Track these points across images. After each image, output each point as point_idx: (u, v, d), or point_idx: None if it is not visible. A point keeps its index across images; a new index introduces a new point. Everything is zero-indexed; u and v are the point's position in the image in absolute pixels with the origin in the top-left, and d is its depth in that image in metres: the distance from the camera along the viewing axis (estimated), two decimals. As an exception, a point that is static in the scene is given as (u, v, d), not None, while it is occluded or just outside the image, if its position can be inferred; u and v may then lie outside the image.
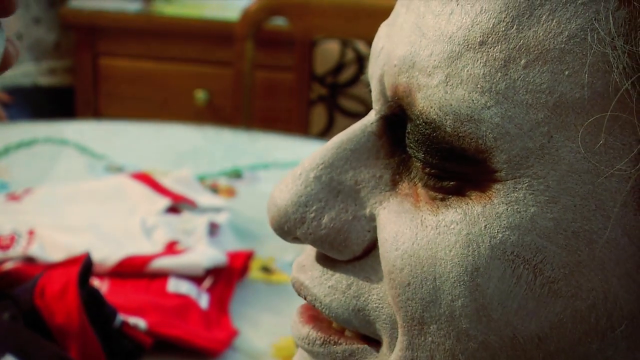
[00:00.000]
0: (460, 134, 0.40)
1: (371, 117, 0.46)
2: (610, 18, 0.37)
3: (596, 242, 0.38)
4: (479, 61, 0.39)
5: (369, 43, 0.46)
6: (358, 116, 0.49)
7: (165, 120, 2.02)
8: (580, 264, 0.39)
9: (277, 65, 2.45)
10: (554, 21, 0.38)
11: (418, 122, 0.42)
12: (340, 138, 0.46)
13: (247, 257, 1.22)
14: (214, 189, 1.47)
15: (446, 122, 0.40)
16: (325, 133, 2.12)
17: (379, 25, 0.47)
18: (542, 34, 0.38)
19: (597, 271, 0.39)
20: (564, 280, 0.39)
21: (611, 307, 0.39)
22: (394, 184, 0.45)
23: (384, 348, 0.44)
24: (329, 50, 2.11)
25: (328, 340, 0.46)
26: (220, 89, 2.54)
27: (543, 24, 0.39)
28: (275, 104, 2.50)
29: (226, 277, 1.18)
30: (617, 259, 0.39)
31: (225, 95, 2.44)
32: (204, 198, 1.38)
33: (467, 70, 0.40)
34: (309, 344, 0.47)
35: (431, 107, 0.41)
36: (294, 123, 2.07)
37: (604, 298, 0.39)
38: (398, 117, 0.44)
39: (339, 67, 2.12)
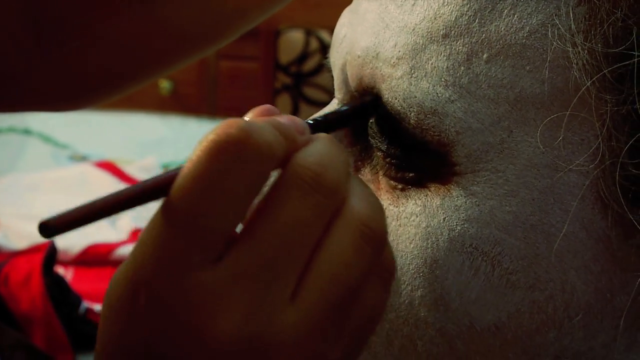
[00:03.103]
0: (423, 127, 0.40)
1: (333, 105, 0.46)
2: (571, 14, 0.38)
3: (554, 235, 0.39)
4: (442, 54, 0.40)
5: (333, 32, 0.47)
6: (322, 105, 0.49)
7: (129, 109, 2.01)
8: (539, 256, 0.39)
9: (241, 55, 2.44)
10: (515, 16, 0.39)
11: (382, 112, 0.42)
12: None
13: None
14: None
15: (410, 114, 0.40)
16: (290, 122, 2.12)
17: (343, 15, 0.47)
18: (504, 29, 0.39)
19: (555, 263, 0.39)
20: (522, 272, 0.40)
21: (568, 297, 0.40)
22: (356, 170, 0.45)
23: None
24: (293, 40, 2.11)
25: None
26: (185, 78, 2.52)
27: (504, 19, 0.39)
28: (240, 93, 2.49)
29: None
30: (575, 251, 0.39)
31: (189, 84, 2.43)
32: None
33: (431, 63, 0.40)
34: None
35: (396, 99, 0.41)
36: (258, 112, 2.07)
37: (561, 289, 0.40)
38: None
39: (303, 57, 2.11)
